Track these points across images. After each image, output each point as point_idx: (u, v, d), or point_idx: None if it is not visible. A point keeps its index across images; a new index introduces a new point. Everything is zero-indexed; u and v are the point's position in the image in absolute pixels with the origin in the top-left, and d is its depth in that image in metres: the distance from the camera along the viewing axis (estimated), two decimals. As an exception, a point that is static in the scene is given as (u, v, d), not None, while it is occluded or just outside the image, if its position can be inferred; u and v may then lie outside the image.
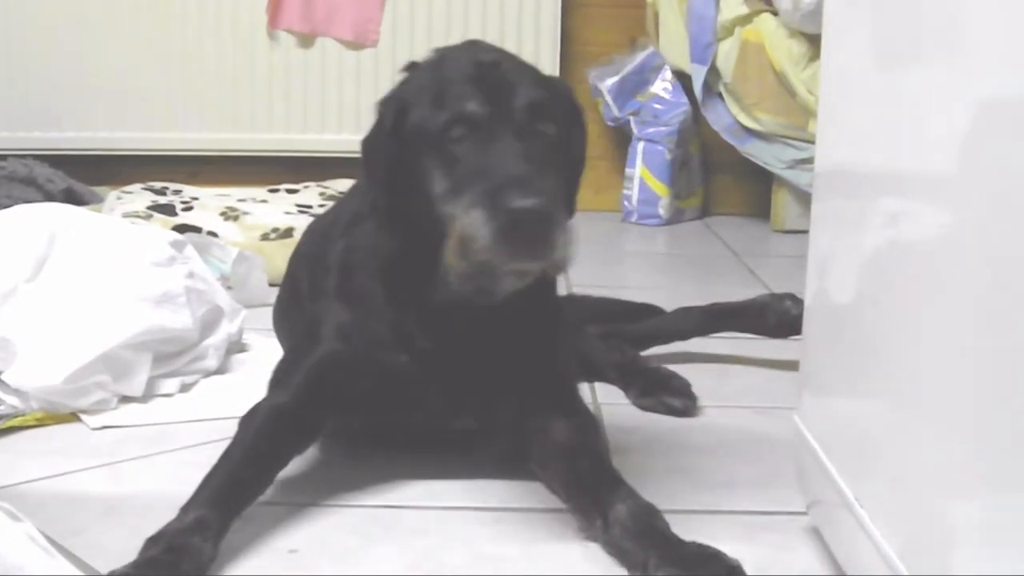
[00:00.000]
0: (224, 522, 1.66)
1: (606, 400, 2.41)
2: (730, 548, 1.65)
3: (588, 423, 1.95)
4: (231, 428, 1.87)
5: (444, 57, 1.89)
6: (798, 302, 2.54)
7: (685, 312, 2.71)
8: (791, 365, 2.37)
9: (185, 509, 1.65)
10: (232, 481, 1.74)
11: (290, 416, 1.88)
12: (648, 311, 2.79)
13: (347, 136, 4.72)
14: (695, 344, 2.73)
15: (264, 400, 1.93)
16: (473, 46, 1.91)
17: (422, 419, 2.00)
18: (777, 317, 2.60)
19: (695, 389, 2.41)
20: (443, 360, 1.90)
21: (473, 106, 1.74)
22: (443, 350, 1.90)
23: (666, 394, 2.38)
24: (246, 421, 1.87)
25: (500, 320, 1.88)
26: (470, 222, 1.64)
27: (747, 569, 1.59)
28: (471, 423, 2.00)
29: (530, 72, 1.85)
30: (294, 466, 1.94)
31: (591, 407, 2.34)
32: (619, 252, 4.30)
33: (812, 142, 4.18)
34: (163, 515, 1.64)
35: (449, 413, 1.98)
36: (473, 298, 1.80)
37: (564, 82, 2.04)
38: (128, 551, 1.56)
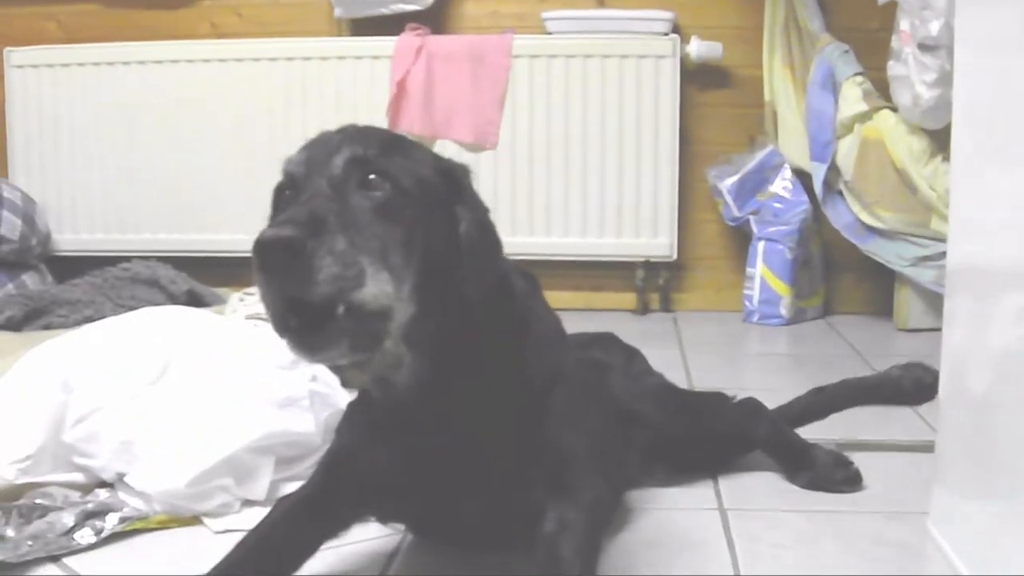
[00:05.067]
0: None
1: (731, 505, 2.36)
2: None
3: (573, 516, 1.80)
4: (354, 533, 1.87)
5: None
6: (928, 370, 2.64)
7: (821, 391, 2.70)
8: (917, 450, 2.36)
9: None
10: (239, 563, 1.79)
11: (309, 505, 1.91)
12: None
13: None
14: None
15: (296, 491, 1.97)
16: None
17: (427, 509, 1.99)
18: (913, 384, 2.65)
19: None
20: (429, 457, 1.85)
21: (293, 165, 1.67)
22: (425, 450, 1.85)
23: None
24: (273, 508, 1.92)
25: (478, 410, 1.83)
26: None
27: None
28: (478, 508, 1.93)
29: (376, 136, 1.72)
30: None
31: (716, 512, 2.32)
32: (741, 353, 4.26)
33: (935, 239, 4.18)
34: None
35: (448, 503, 1.94)
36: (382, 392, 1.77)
37: (436, 156, 1.82)
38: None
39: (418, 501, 1.94)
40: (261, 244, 1.49)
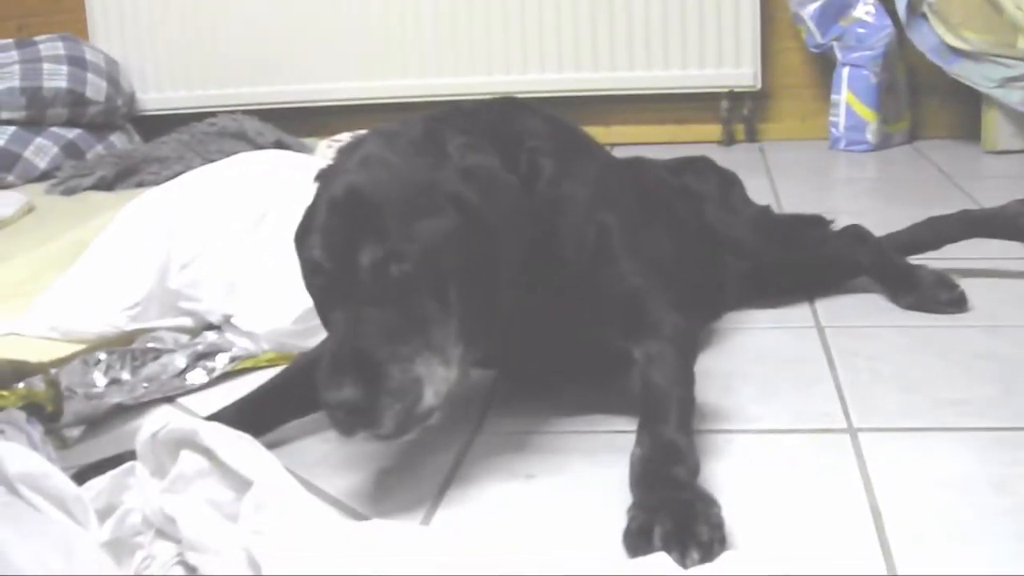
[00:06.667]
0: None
1: (829, 323, 2.40)
2: (966, 467, 1.66)
3: (659, 348, 1.86)
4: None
5: (326, 178, 1.82)
6: None
7: (936, 221, 2.67)
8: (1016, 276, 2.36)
9: None
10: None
11: None
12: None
13: (550, 75, 4.75)
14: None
15: None
16: (360, 154, 1.79)
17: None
18: None
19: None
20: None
21: (318, 259, 1.70)
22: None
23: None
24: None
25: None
26: None
27: (985, 488, 1.60)
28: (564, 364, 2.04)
29: (389, 205, 1.69)
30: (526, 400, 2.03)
31: (814, 330, 2.35)
32: (828, 179, 4.24)
33: (1022, 59, 4.10)
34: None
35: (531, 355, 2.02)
36: None
37: (459, 174, 1.76)
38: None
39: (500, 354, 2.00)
40: (328, 406, 1.61)
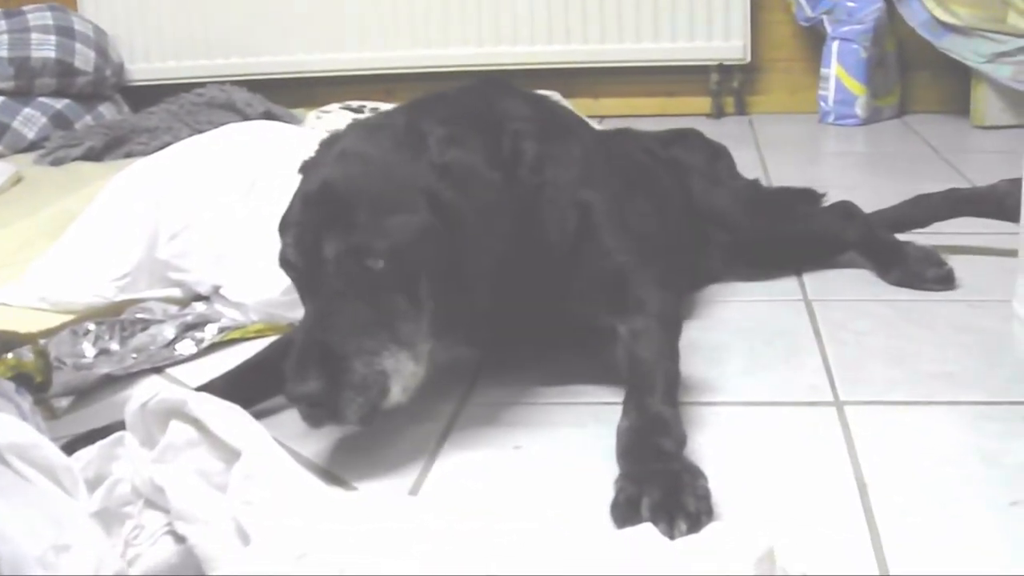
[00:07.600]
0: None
1: (816, 296, 2.40)
2: (952, 439, 1.67)
3: (644, 324, 1.87)
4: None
5: (307, 170, 1.84)
6: None
7: (923, 199, 2.67)
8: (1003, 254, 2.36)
9: None
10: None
11: None
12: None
13: (540, 47, 4.73)
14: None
15: None
16: (339, 148, 1.81)
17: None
18: (1017, 203, 2.57)
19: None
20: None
21: (289, 255, 1.73)
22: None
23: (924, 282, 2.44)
24: None
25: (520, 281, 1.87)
26: None
27: (972, 459, 1.60)
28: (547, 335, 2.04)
29: (359, 199, 1.69)
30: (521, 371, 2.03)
31: (801, 303, 2.36)
32: (817, 153, 4.24)
33: (1012, 34, 4.10)
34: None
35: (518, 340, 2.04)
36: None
37: (434, 169, 1.75)
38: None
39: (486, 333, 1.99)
40: (292, 399, 1.67)
